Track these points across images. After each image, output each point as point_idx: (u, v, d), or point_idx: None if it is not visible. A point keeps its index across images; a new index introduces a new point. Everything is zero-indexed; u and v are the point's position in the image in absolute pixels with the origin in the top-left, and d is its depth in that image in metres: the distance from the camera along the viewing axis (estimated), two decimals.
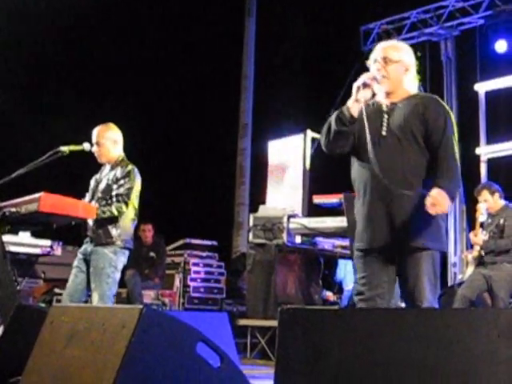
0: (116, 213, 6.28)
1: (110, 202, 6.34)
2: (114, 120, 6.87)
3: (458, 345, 2.48)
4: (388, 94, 4.53)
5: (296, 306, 2.77)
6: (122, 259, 6.36)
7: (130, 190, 6.37)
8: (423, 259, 4.25)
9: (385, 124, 4.45)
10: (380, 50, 4.59)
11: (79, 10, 15.16)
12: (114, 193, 6.35)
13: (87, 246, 6.35)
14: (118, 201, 6.32)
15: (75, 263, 6.38)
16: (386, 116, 4.48)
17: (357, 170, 4.55)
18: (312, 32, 16.08)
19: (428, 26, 13.25)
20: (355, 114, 4.36)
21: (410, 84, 4.60)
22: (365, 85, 4.34)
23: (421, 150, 4.37)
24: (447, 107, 4.59)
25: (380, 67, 4.49)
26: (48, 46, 15.47)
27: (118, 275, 6.32)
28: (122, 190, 6.34)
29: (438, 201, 4.09)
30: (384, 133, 4.42)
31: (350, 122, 4.36)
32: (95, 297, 6.14)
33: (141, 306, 3.07)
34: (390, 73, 4.49)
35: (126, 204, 6.34)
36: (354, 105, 4.36)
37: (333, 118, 4.45)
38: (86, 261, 6.32)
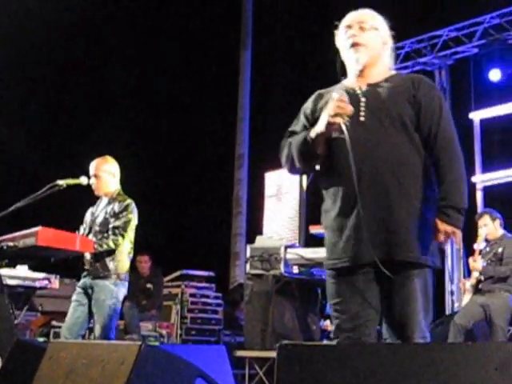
0: (113, 245, 6.33)
1: (106, 235, 6.37)
2: (110, 152, 6.92)
3: (456, 379, 2.48)
4: (364, 71, 3.71)
5: (294, 341, 2.75)
6: (122, 290, 6.42)
7: (126, 223, 6.42)
8: (414, 278, 3.51)
9: (363, 108, 3.60)
10: (355, 15, 3.79)
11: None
12: (110, 225, 6.39)
13: (86, 280, 6.39)
14: (114, 233, 6.36)
15: (74, 297, 6.42)
16: (363, 99, 3.64)
17: (328, 170, 3.71)
18: (308, 60, 16.15)
19: (422, 55, 13.34)
20: (322, 151, 3.62)
21: (389, 62, 3.84)
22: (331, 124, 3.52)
23: (412, 142, 3.58)
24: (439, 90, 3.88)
25: (356, 33, 3.69)
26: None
27: (119, 306, 6.37)
28: (118, 223, 6.39)
29: (448, 234, 3.52)
30: (362, 118, 3.59)
31: (317, 158, 3.65)
32: (97, 329, 6.20)
33: (139, 343, 3.08)
34: (368, 40, 3.69)
35: (123, 237, 6.38)
36: (321, 140, 3.59)
37: (295, 153, 3.70)
38: (86, 294, 6.36)
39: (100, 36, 16.18)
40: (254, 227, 13.38)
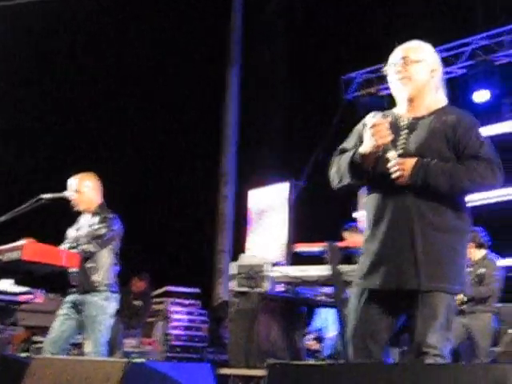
0: (83, 254, 6.30)
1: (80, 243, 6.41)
2: (95, 167, 6.93)
3: None
4: (411, 102, 3.95)
5: (283, 361, 2.72)
6: (113, 305, 6.44)
7: (101, 233, 6.41)
8: (438, 303, 3.64)
9: (401, 142, 3.83)
10: (399, 51, 4.01)
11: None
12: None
13: (75, 295, 6.38)
14: (85, 242, 6.36)
15: (63, 311, 6.41)
16: (404, 131, 3.87)
17: (371, 197, 3.92)
18: (294, 81, 16.13)
19: None
20: (371, 164, 3.78)
21: (438, 91, 4.03)
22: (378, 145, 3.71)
23: None
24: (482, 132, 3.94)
25: (400, 68, 3.91)
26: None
27: (110, 321, 6.39)
28: (92, 232, 6.39)
29: (402, 165, 3.67)
30: (400, 151, 3.78)
31: (367, 173, 3.81)
32: (88, 344, 6.19)
33: (125, 360, 3.04)
34: (413, 73, 3.90)
35: (96, 245, 6.35)
36: (371, 154, 3.76)
37: (344, 169, 3.86)
38: (76, 308, 6.33)
39: (90, 50, 16.18)
40: (239, 244, 13.37)
